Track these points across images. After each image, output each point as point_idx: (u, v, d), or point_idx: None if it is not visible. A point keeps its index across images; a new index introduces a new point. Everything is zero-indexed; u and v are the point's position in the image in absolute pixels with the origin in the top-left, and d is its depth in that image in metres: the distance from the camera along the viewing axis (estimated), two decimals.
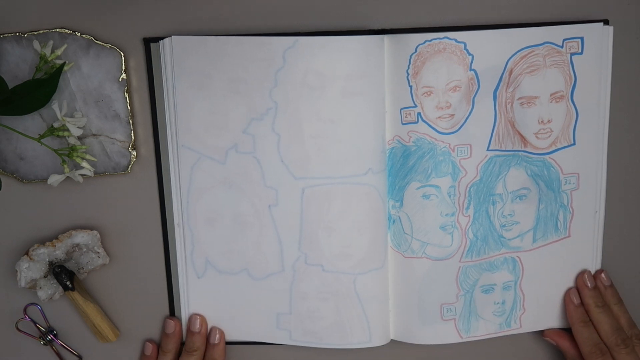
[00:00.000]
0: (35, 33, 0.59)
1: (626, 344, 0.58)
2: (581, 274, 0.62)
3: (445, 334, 0.62)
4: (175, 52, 0.58)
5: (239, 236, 0.61)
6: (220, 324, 0.63)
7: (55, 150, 0.58)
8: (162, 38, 0.58)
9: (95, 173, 0.60)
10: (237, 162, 0.60)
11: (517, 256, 0.62)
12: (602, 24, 0.58)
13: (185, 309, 0.63)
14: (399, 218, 0.61)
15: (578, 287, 0.62)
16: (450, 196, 0.60)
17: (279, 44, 0.57)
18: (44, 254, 0.60)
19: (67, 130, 0.57)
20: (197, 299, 0.62)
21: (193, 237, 0.61)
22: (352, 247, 0.60)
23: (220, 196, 0.61)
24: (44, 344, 0.64)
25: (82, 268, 0.62)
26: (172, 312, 0.64)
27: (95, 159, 0.60)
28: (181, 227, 0.61)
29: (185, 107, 0.59)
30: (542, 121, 0.59)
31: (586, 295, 0.61)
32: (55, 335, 0.64)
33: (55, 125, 0.58)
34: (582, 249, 0.62)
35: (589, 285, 0.61)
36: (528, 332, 0.64)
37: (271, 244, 0.61)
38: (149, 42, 0.59)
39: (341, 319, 0.62)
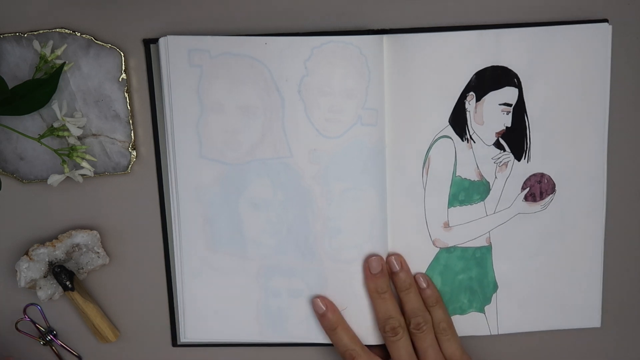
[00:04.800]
0: (35, 33, 0.59)
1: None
2: (388, 258, 0.61)
3: None
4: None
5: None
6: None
7: (55, 150, 0.58)
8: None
9: (95, 173, 0.60)
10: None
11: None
12: (602, 24, 0.58)
13: (184, 310, 0.63)
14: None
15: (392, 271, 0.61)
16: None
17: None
18: (44, 254, 0.60)
19: (67, 130, 0.57)
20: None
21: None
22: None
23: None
24: (44, 344, 0.64)
25: (82, 268, 0.62)
26: (172, 312, 0.64)
27: (95, 159, 0.60)
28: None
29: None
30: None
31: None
32: (55, 336, 0.64)
33: (55, 125, 0.58)
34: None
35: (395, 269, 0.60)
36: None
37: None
38: (149, 43, 0.59)
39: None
